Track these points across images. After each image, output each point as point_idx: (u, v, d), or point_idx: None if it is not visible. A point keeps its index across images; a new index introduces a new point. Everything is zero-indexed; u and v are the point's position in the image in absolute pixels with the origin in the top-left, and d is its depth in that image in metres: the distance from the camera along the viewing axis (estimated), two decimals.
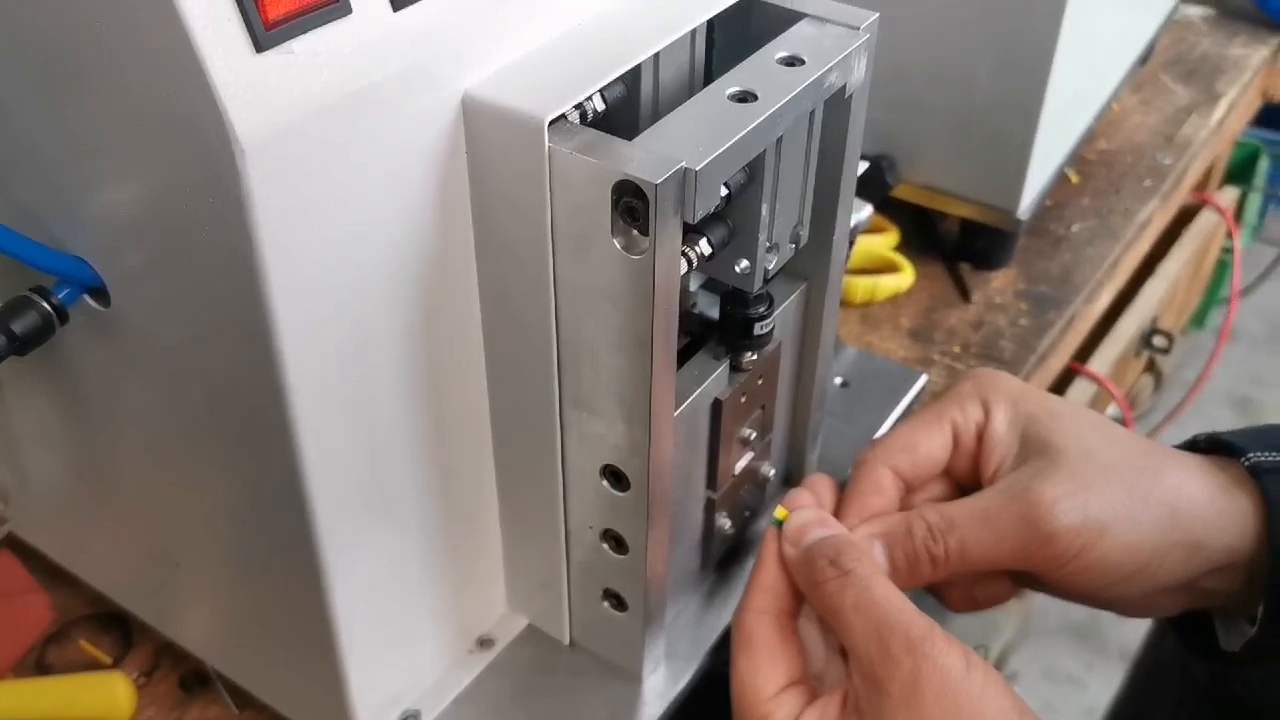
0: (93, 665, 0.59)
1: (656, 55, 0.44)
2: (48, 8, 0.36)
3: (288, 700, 0.52)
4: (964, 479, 0.52)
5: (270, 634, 0.50)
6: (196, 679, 0.58)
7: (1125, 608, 0.50)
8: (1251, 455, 0.48)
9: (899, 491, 0.51)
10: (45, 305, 0.41)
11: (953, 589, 0.51)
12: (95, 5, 0.34)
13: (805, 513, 0.48)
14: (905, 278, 0.83)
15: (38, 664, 0.59)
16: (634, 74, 0.43)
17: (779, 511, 0.49)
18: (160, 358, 0.43)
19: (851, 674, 0.43)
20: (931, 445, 0.51)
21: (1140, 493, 0.47)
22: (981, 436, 0.51)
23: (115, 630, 0.60)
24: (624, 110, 0.44)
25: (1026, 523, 0.47)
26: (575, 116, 0.41)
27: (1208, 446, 0.50)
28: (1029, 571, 0.48)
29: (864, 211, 0.66)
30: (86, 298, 0.43)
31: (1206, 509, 0.47)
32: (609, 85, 0.42)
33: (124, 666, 0.58)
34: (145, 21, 0.33)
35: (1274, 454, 0.48)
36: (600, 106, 0.42)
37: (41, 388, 0.49)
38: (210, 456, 0.45)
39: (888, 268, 0.84)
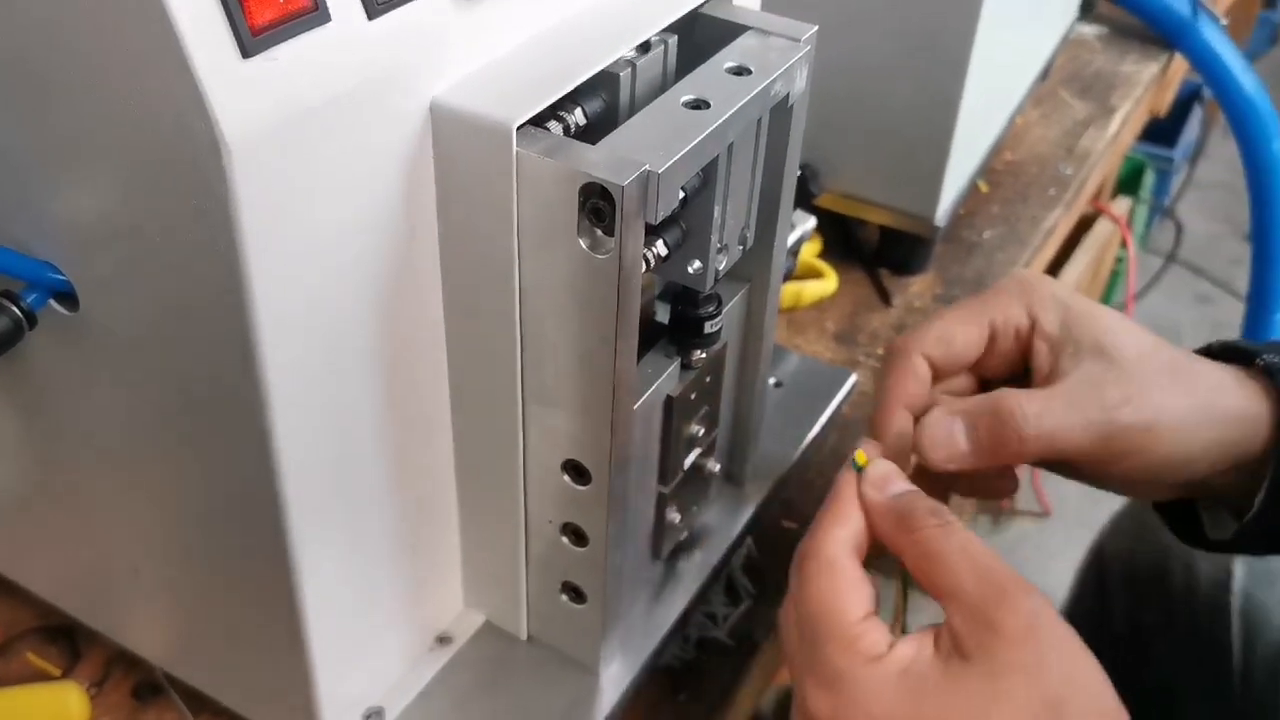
0: (41, 677, 0.58)
1: (633, 69, 0.46)
2: (26, 9, 0.36)
3: (250, 702, 0.53)
4: (994, 374, 0.55)
5: (234, 636, 0.51)
6: (149, 687, 0.57)
7: (1133, 490, 0.54)
8: (1265, 356, 0.52)
9: (930, 380, 0.53)
10: (15, 309, 0.41)
11: (964, 478, 0.54)
12: (80, 9, 0.35)
13: (885, 464, 0.49)
14: (829, 284, 0.86)
15: None
16: (612, 87, 0.45)
17: (859, 456, 0.49)
18: (129, 360, 0.43)
19: (951, 615, 0.43)
20: (969, 339, 0.53)
21: (1192, 395, 0.51)
22: (1020, 336, 0.53)
23: (62, 641, 0.60)
24: (604, 123, 0.45)
25: (1101, 417, 0.49)
26: (559, 129, 0.42)
27: (1220, 353, 0.54)
28: (1082, 463, 0.51)
29: (808, 223, 0.68)
30: (53, 302, 0.43)
31: (1236, 408, 0.51)
32: (589, 99, 0.44)
33: (74, 677, 0.58)
34: (134, 28, 0.34)
35: None
36: (582, 120, 0.43)
37: (1, 395, 0.49)
38: (179, 459, 0.45)
39: (812, 274, 0.87)
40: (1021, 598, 0.42)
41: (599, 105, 0.45)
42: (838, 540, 0.47)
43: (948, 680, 0.42)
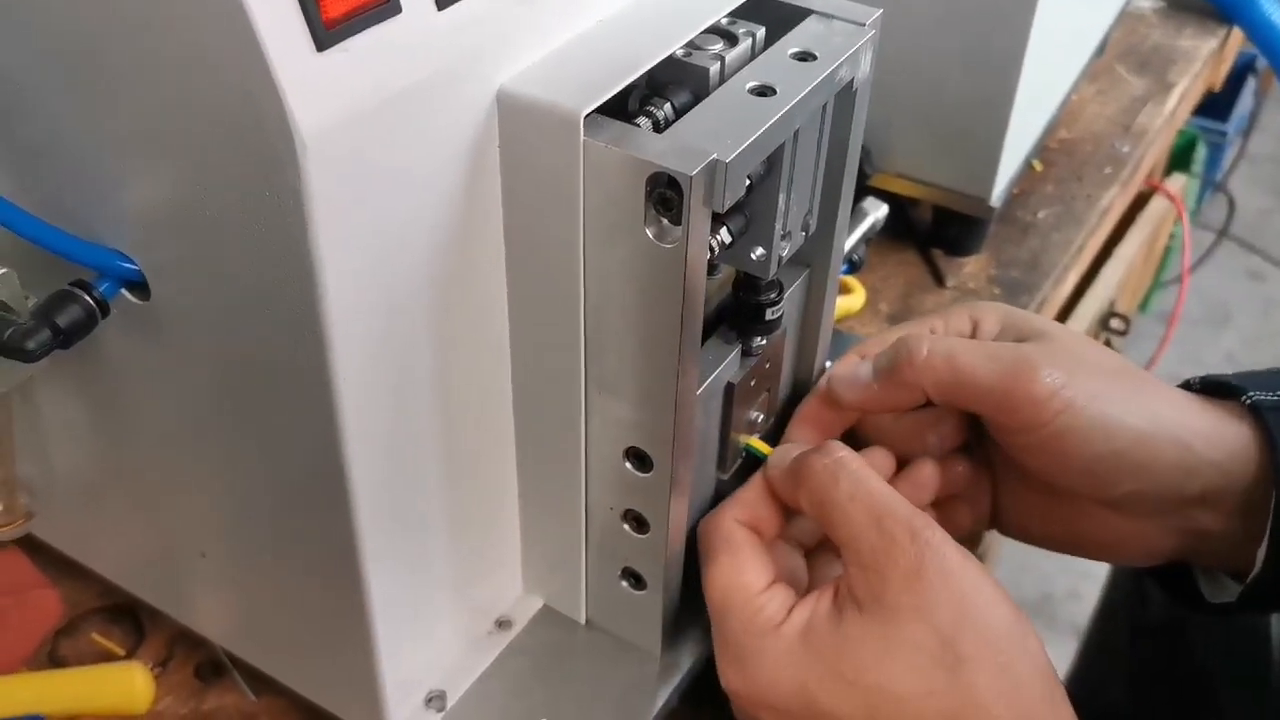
0: (106, 657, 0.59)
1: (722, 62, 0.45)
2: (103, 2, 0.36)
3: (313, 683, 0.53)
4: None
5: (299, 618, 0.51)
6: (212, 668, 0.58)
7: (1110, 527, 0.50)
8: (1252, 394, 0.48)
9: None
10: (88, 299, 0.42)
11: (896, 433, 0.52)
12: (156, 1, 0.35)
13: (788, 445, 0.51)
14: (856, 299, 0.84)
15: (50, 658, 0.59)
16: (701, 80, 0.45)
17: (761, 447, 0.52)
18: (200, 347, 0.44)
19: (847, 565, 0.43)
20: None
21: (1127, 384, 0.48)
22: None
23: (126, 622, 0.60)
24: None
25: (1014, 368, 0.47)
26: (648, 124, 0.42)
27: (1202, 388, 0.51)
28: (1007, 425, 0.48)
29: (880, 210, 0.67)
30: (124, 291, 0.44)
31: (1197, 419, 0.48)
32: (678, 93, 0.43)
33: (138, 657, 0.59)
34: (210, 21, 0.34)
35: (1273, 393, 0.49)
36: (671, 115, 0.43)
37: (71, 382, 0.50)
38: (248, 443, 0.46)
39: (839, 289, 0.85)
40: (906, 543, 0.42)
41: (688, 99, 0.44)
42: (732, 517, 0.47)
43: (843, 633, 0.42)
